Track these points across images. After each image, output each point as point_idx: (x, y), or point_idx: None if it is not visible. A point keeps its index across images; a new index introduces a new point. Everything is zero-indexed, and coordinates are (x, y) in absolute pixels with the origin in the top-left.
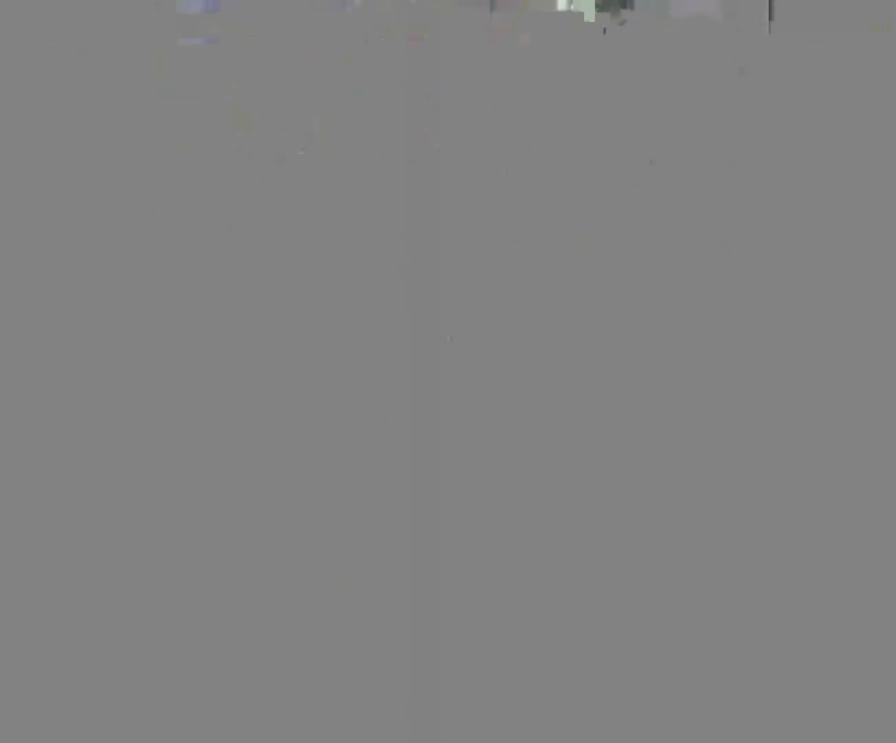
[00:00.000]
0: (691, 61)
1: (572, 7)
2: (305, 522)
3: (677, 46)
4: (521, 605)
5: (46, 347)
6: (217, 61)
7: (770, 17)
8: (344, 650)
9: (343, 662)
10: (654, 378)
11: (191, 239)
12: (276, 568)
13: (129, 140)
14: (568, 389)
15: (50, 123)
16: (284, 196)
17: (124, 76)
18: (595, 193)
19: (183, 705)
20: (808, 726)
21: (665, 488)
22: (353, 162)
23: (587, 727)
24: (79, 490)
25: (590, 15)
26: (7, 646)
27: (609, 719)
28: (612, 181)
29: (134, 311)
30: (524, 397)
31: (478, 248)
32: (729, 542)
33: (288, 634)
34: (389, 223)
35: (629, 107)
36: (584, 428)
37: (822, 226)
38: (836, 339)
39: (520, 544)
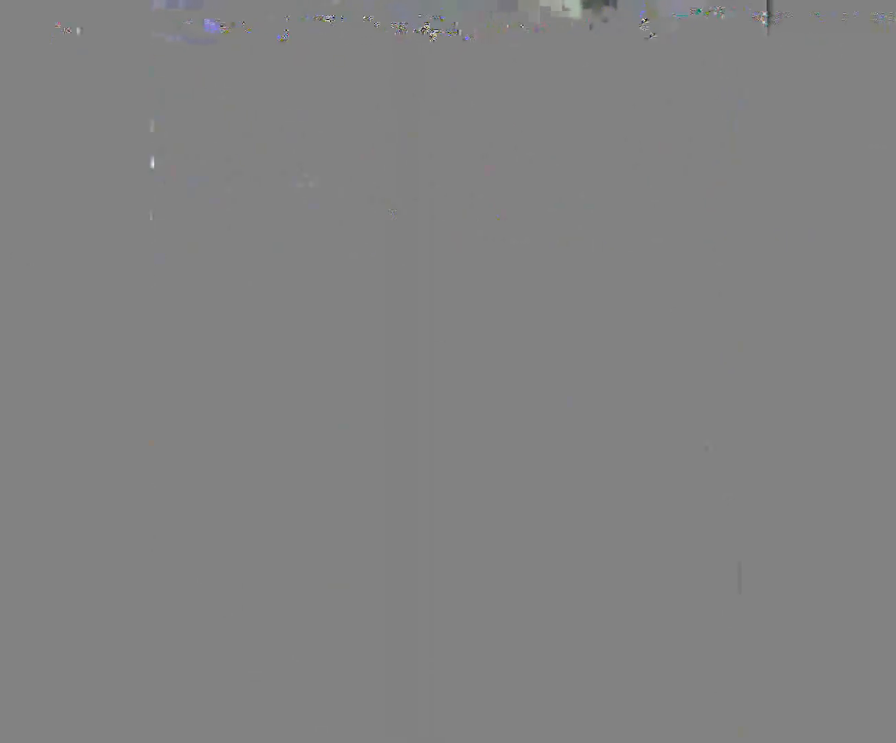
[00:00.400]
0: (680, 58)
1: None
2: (298, 521)
3: (666, 43)
4: (512, 604)
5: (40, 348)
6: (208, 60)
7: (769, 17)
8: (334, 648)
9: (335, 659)
10: (648, 379)
11: (184, 238)
12: (265, 565)
13: (125, 140)
14: (560, 389)
15: (44, 124)
16: (276, 196)
17: (118, 75)
18: (586, 192)
19: (175, 703)
20: (805, 726)
21: (660, 488)
22: (345, 160)
23: (577, 725)
24: (62, 485)
25: (575, 11)
26: (7, 646)
27: (600, 717)
28: (604, 180)
29: (125, 312)
30: (515, 397)
31: (468, 246)
32: (726, 543)
33: (277, 632)
34: (378, 223)
35: (619, 104)
36: (579, 430)
37: (821, 227)
38: (838, 341)
39: (510, 545)
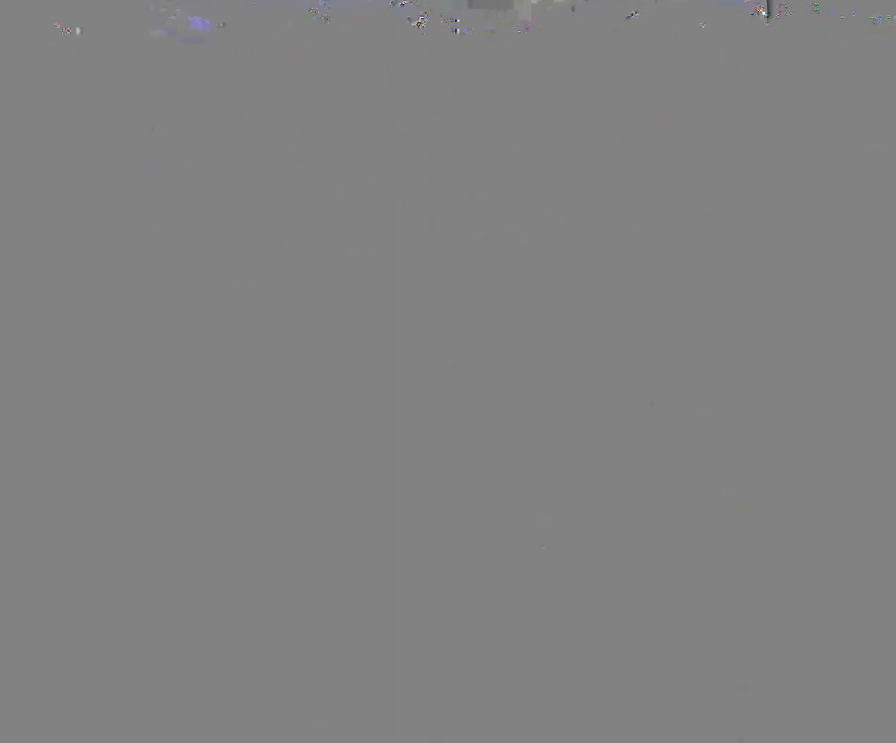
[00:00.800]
0: (679, 52)
1: None
2: (297, 517)
3: (665, 36)
4: (510, 603)
5: (33, 349)
6: (198, 58)
7: (769, 14)
8: (334, 646)
9: (327, 658)
10: (649, 374)
11: (174, 237)
12: (264, 563)
13: (124, 138)
14: (558, 388)
15: (44, 122)
16: (265, 195)
17: (117, 75)
18: (578, 188)
19: (174, 702)
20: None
21: (654, 488)
22: (336, 160)
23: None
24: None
25: None
26: (7, 646)
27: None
28: (602, 175)
29: (125, 311)
30: (512, 394)
31: (462, 245)
32: (717, 552)
33: (277, 631)
34: (371, 220)
35: (617, 99)
36: (578, 427)
37: (820, 221)
38: (837, 345)
39: (509, 544)
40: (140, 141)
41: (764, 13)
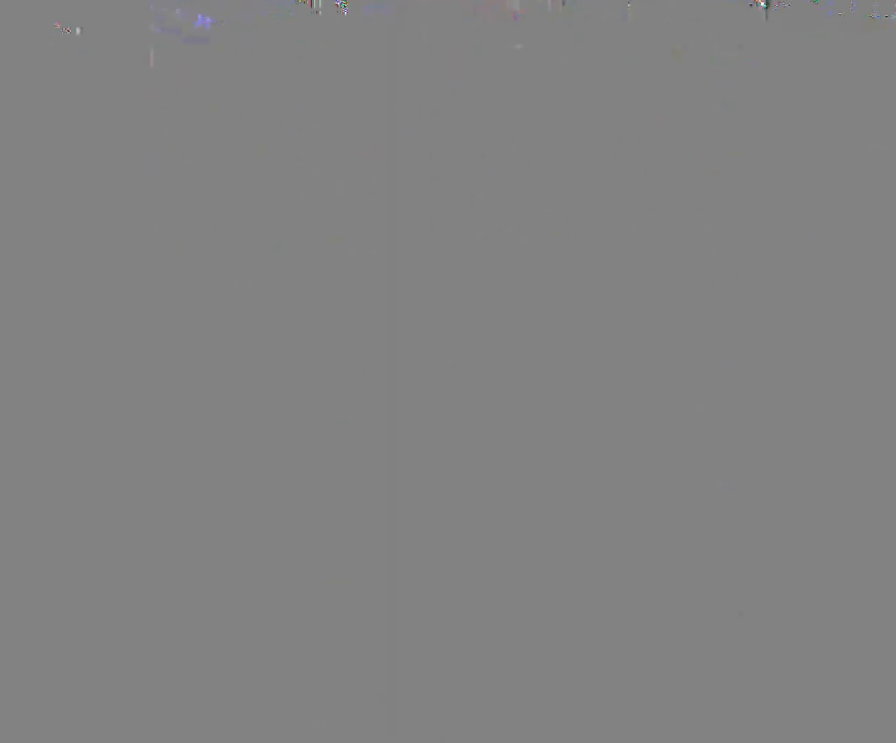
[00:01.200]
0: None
1: None
2: (297, 517)
3: (664, 29)
4: (511, 604)
5: (33, 345)
6: (198, 57)
7: (767, 5)
8: (333, 645)
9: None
10: (649, 375)
11: (174, 236)
12: (263, 563)
13: (124, 138)
14: (558, 387)
15: (44, 123)
16: (265, 194)
17: (117, 74)
18: (577, 186)
19: (175, 702)
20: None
21: (655, 491)
22: (336, 159)
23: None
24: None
25: None
26: (7, 646)
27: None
28: (596, 173)
29: (126, 311)
30: (508, 397)
31: (462, 245)
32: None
33: (277, 630)
34: (372, 219)
35: (615, 95)
36: (578, 428)
37: (818, 220)
38: (833, 341)
39: (511, 546)
40: (140, 140)
41: (762, 4)
